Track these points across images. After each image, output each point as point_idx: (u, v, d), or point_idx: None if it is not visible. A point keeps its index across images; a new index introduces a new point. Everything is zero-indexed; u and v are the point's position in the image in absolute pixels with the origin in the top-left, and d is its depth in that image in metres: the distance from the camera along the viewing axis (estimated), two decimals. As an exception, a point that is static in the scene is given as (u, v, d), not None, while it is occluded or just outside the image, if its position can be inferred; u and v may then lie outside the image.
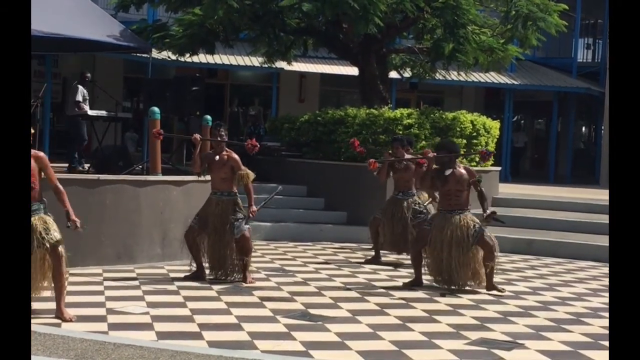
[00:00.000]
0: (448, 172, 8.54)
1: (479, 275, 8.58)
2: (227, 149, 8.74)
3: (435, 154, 8.75)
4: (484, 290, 8.57)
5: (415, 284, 8.84)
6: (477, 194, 8.57)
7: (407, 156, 10.47)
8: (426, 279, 8.86)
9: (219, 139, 8.71)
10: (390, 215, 10.53)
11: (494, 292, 8.52)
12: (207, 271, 8.81)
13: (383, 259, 10.81)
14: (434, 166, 8.71)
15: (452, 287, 8.59)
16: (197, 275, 8.74)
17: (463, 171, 8.60)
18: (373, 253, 10.88)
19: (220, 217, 8.57)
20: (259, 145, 8.89)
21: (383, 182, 11.69)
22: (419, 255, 8.81)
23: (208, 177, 8.98)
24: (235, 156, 8.68)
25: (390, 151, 10.82)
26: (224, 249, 8.63)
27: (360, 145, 11.03)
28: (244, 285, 8.50)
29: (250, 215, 8.61)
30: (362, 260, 10.79)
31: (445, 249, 8.44)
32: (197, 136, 8.81)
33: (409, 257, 10.65)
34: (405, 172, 10.42)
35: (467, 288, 8.59)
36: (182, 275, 9.01)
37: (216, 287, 8.36)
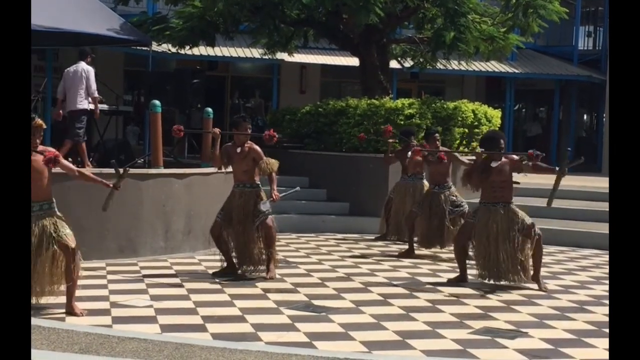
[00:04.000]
0: (495, 164, 8.28)
1: (527, 269, 8.28)
2: (249, 141, 8.59)
3: (483, 150, 8.45)
4: (529, 285, 8.31)
5: (460, 279, 8.56)
6: (535, 170, 8.16)
7: (441, 149, 10.44)
8: (471, 274, 8.58)
9: (245, 131, 8.59)
10: (427, 209, 10.34)
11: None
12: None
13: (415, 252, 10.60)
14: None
15: (501, 282, 8.29)
16: (227, 272, 8.61)
17: (505, 160, 8.36)
18: (391, 246, 10.78)
19: (243, 208, 8.46)
20: (277, 136, 8.73)
21: (386, 167, 12.01)
22: (463, 249, 8.56)
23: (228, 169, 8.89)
24: (257, 147, 8.54)
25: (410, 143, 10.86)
26: (249, 241, 8.50)
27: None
28: (266, 278, 8.38)
29: (273, 197, 8.44)
30: (397, 254, 10.59)
31: (492, 243, 8.18)
32: (217, 130, 8.65)
33: (443, 251, 10.62)
34: (440, 165, 10.21)
35: (514, 283, 8.28)
36: (185, 268, 9.04)
37: (219, 279, 8.37)
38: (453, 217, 10.25)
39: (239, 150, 8.54)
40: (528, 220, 8.23)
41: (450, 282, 8.56)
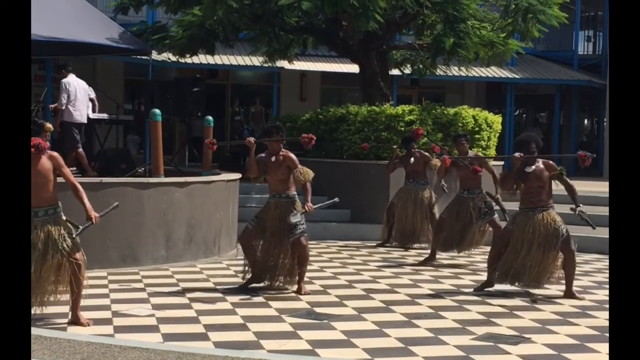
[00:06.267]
0: (530, 169, 8.14)
1: (553, 276, 8.19)
2: (283, 149, 8.32)
3: (521, 154, 8.14)
4: (532, 290, 8.28)
5: (487, 285, 8.45)
6: (565, 187, 8.19)
7: (470, 154, 10.34)
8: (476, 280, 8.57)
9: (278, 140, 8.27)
10: (455, 214, 10.20)
11: (573, 300, 8.11)
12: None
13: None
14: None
15: (516, 285, 8.21)
16: (252, 282, 8.36)
17: (542, 166, 8.21)
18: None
19: (279, 220, 8.17)
20: (315, 139, 8.42)
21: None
22: (498, 256, 8.35)
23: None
24: (292, 155, 8.27)
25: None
26: (280, 253, 8.21)
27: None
28: (299, 295, 8.07)
29: (307, 209, 8.09)
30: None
31: (525, 248, 8.05)
32: (252, 139, 8.36)
33: (443, 255, 10.52)
34: (470, 170, 10.04)
35: (534, 289, 8.24)
36: (186, 276, 9.03)
37: (221, 288, 8.36)
38: (481, 223, 10.15)
39: (273, 159, 8.27)
40: (564, 230, 8.12)
41: (478, 289, 8.47)
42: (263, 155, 8.36)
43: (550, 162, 8.31)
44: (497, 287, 8.57)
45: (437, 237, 10.45)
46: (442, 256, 10.67)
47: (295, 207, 8.22)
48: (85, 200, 6.60)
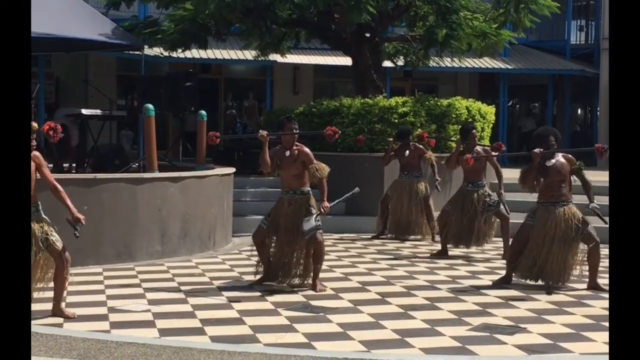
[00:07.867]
0: (550, 162, 8.08)
1: (574, 273, 8.12)
2: (297, 143, 8.06)
3: (541, 149, 8.05)
4: (528, 282, 8.20)
5: (505, 281, 8.32)
6: (581, 181, 8.12)
7: (478, 148, 10.24)
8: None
9: (290, 132, 8.03)
10: (459, 207, 10.12)
11: (598, 291, 8.00)
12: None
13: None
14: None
15: (541, 282, 8.11)
16: (265, 281, 8.12)
17: (563, 160, 8.12)
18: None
19: (292, 217, 7.92)
20: (339, 132, 8.18)
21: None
22: (518, 253, 8.21)
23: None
24: (306, 150, 8.01)
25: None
26: (295, 251, 8.00)
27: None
28: (314, 293, 7.82)
29: (322, 210, 7.89)
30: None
31: (546, 244, 7.97)
32: (264, 133, 7.98)
33: (471, 250, 10.45)
34: (476, 162, 9.86)
35: (560, 285, 8.10)
36: (182, 271, 9.03)
37: (217, 283, 8.35)
38: (486, 216, 10.09)
39: (287, 153, 7.98)
40: (585, 223, 8.07)
41: (495, 284, 8.34)
42: (277, 148, 8.11)
43: (570, 155, 8.25)
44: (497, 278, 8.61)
45: (443, 230, 10.32)
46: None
47: (310, 204, 7.99)
48: (68, 202, 6.53)
